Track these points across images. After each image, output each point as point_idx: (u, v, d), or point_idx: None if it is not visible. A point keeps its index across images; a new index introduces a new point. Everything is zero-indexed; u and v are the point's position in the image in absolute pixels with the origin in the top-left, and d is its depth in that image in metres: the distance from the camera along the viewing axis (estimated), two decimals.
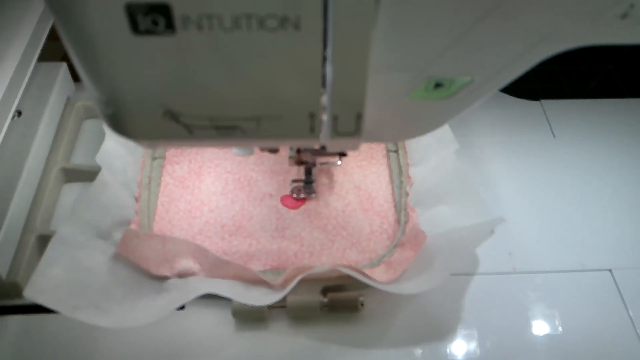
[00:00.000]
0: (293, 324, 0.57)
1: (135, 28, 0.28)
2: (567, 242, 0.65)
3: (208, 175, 0.70)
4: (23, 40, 0.61)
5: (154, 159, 0.70)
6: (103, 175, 0.61)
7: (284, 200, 0.68)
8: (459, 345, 0.56)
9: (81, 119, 0.76)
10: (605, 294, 0.61)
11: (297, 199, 0.68)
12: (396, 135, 0.43)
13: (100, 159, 0.62)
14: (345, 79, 0.31)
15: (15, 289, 0.57)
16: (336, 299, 0.57)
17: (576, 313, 0.59)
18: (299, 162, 0.63)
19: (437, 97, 0.37)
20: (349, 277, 0.55)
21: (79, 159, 0.72)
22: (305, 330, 0.57)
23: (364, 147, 0.74)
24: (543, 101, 0.82)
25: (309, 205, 0.67)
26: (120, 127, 0.35)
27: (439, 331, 0.57)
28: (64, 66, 0.75)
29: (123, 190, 0.64)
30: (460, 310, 0.59)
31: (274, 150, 0.56)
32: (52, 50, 0.68)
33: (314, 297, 0.56)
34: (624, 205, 0.69)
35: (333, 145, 0.39)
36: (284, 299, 0.55)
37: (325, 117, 0.34)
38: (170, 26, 0.28)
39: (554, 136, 0.77)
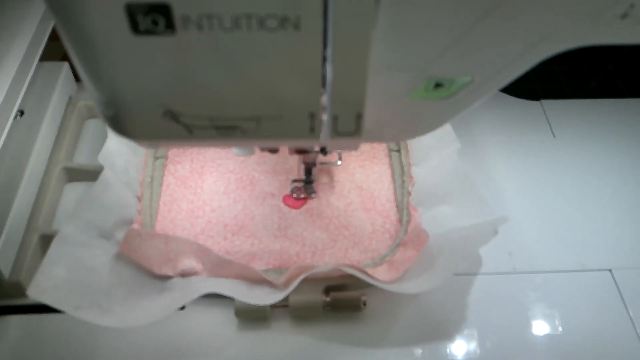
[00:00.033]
0: (295, 324, 0.58)
1: (135, 28, 0.28)
2: (567, 242, 0.65)
3: (210, 174, 0.70)
4: (25, 40, 0.61)
5: (156, 158, 0.71)
6: (105, 174, 0.61)
7: (286, 199, 0.68)
8: (460, 345, 0.56)
9: (83, 119, 0.76)
10: (605, 294, 0.61)
11: (299, 199, 0.68)
12: (396, 135, 0.43)
13: (102, 158, 0.62)
14: (345, 79, 0.31)
15: (18, 288, 0.57)
16: (338, 299, 0.57)
17: (576, 313, 0.59)
18: (299, 151, 0.63)
19: (437, 97, 0.37)
20: (351, 276, 0.55)
21: (81, 159, 0.72)
22: (308, 330, 0.57)
23: (366, 146, 0.74)
24: (543, 101, 0.82)
25: (311, 204, 0.67)
26: (120, 127, 0.35)
27: (439, 331, 0.57)
28: (65, 66, 0.75)
29: (125, 189, 0.64)
30: (461, 310, 0.59)
31: (274, 150, 0.56)
32: (54, 50, 0.69)
33: (317, 296, 0.56)
34: (624, 205, 0.69)
35: (333, 145, 0.39)
36: (286, 299, 0.55)
37: (325, 117, 0.34)
38: (170, 26, 0.28)
39: (554, 136, 0.77)
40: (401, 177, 0.70)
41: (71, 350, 0.55)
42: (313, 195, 0.68)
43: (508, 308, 0.59)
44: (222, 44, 0.29)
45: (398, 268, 0.60)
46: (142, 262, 0.57)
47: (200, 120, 0.34)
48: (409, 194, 0.67)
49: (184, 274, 0.59)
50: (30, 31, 0.62)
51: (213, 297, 0.55)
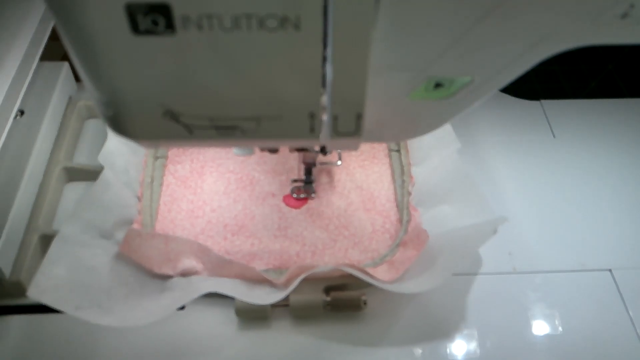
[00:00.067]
0: (296, 323, 0.58)
1: (135, 28, 0.28)
2: (567, 242, 0.65)
3: (210, 174, 0.70)
4: (25, 40, 0.61)
5: (156, 158, 0.71)
6: (105, 174, 0.61)
7: (286, 199, 0.68)
8: (460, 345, 0.56)
9: (83, 119, 0.76)
10: (605, 294, 0.61)
11: (299, 199, 0.68)
12: (396, 135, 0.43)
13: (102, 158, 0.62)
14: (345, 79, 0.31)
15: (18, 288, 0.57)
16: (339, 298, 0.57)
17: (576, 313, 0.59)
18: (299, 149, 0.63)
19: (437, 97, 0.37)
20: (351, 276, 0.55)
21: (81, 159, 0.72)
22: (308, 329, 0.57)
23: (366, 146, 0.74)
24: (543, 101, 0.82)
25: (311, 204, 0.67)
26: (120, 127, 0.35)
27: (440, 331, 0.57)
28: (66, 65, 0.75)
29: (125, 189, 0.64)
30: (461, 310, 0.59)
31: (274, 150, 0.56)
32: (54, 50, 0.69)
33: (317, 296, 0.56)
34: (624, 205, 0.69)
35: (333, 145, 0.39)
36: (286, 298, 0.55)
37: (325, 117, 0.34)
38: (170, 26, 0.28)
39: (554, 136, 0.77)
40: (401, 177, 0.70)
41: (71, 350, 0.55)
42: (313, 195, 0.68)
43: (508, 308, 0.59)
44: (222, 44, 0.29)
45: (398, 268, 0.60)
46: (142, 262, 0.58)
47: (200, 120, 0.34)
48: (409, 193, 0.67)
49: (184, 274, 0.59)
50: (30, 31, 0.62)
51: (213, 297, 0.55)
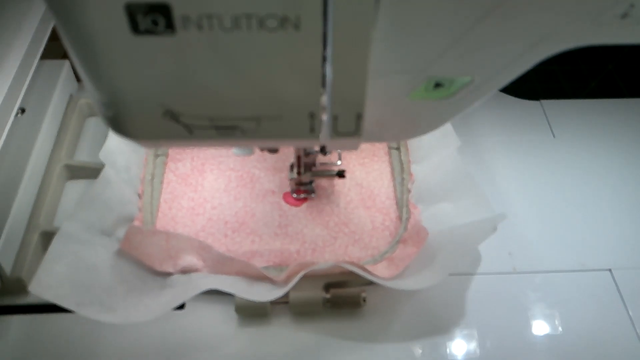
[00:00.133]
0: (295, 320, 0.58)
1: (135, 28, 0.28)
2: (567, 242, 0.65)
3: (211, 172, 0.70)
4: (26, 39, 0.61)
5: (156, 156, 0.71)
6: (106, 172, 0.61)
7: (286, 197, 0.68)
8: (459, 345, 0.56)
9: (84, 116, 0.76)
10: (605, 294, 0.61)
11: (298, 199, 0.68)
12: (396, 135, 0.43)
13: (103, 156, 0.62)
14: (345, 79, 0.31)
15: (19, 286, 0.57)
16: (338, 295, 0.57)
17: (576, 313, 0.59)
18: (299, 184, 0.64)
19: (437, 97, 0.37)
20: (351, 273, 0.55)
21: (82, 156, 0.72)
22: (308, 326, 0.57)
23: (366, 144, 0.74)
24: (543, 101, 0.82)
25: (311, 202, 0.68)
26: (120, 127, 0.35)
27: (439, 328, 0.57)
28: (66, 64, 0.75)
29: (126, 187, 0.64)
30: (461, 309, 0.59)
31: (273, 150, 0.56)
32: (55, 49, 0.69)
33: (317, 293, 0.56)
34: (624, 205, 0.69)
35: (333, 145, 0.39)
36: (286, 295, 0.55)
37: (325, 117, 0.34)
38: (170, 26, 0.28)
39: (554, 136, 0.77)
40: (401, 174, 0.70)
41: (72, 350, 0.55)
42: (313, 195, 0.68)
43: (508, 308, 0.59)
44: (222, 44, 0.29)
45: (398, 265, 0.60)
46: (143, 259, 0.58)
47: (200, 120, 0.34)
48: (409, 191, 0.67)
49: (185, 271, 0.59)
50: (31, 30, 0.62)
51: (213, 294, 0.56)
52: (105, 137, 0.64)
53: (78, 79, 0.77)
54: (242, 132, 0.35)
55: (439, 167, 0.67)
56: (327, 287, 0.58)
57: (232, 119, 0.34)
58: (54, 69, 0.73)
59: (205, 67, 0.30)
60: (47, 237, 0.60)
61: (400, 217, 0.66)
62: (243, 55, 0.30)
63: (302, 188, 0.67)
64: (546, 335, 0.57)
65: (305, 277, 0.55)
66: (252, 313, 0.57)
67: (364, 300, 0.57)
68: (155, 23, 0.28)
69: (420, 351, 0.56)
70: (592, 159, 0.74)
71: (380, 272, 0.59)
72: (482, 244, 0.55)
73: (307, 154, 0.61)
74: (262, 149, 0.58)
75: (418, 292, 0.59)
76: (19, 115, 0.66)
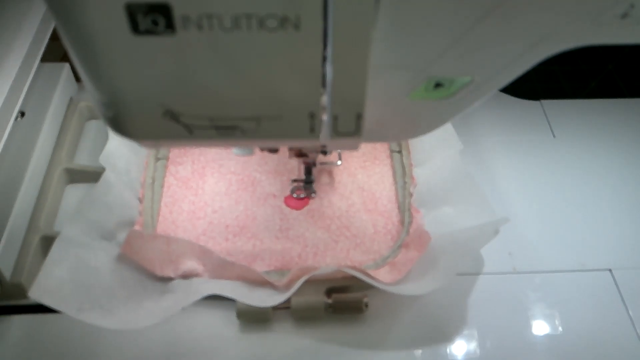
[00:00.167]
0: (297, 325, 0.58)
1: (135, 28, 0.28)
2: (567, 242, 0.65)
3: (211, 175, 0.70)
4: (26, 41, 0.61)
5: (157, 159, 0.71)
6: (107, 175, 0.61)
7: (287, 200, 0.68)
8: (460, 346, 0.56)
9: (84, 120, 0.76)
10: (605, 294, 0.61)
11: (300, 200, 0.68)
12: (396, 135, 0.43)
13: (103, 159, 0.62)
14: (345, 79, 0.31)
15: (19, 290, 0.57)
16: (340, 300, 0.57)
17: (576, 313, 0.59)
18: (299, 154, 0.63)
19: (437, 97, 0.37)
20: (353, 278, 0.55)
21: (82, 160, 0.72)
22: (310, 331, 0.57)
23: (368, 147, 0.74)
24: (543, 101, 0.82)
25: (313, 205, 0.67)
26: (120, 127, 0.35)
27: (441, 332, 0.57)
28: (66, 67, 0.75)
29: (127, 190, 0.64)
30: (462, 310, 0.59)
31: (274, 150, 0.56)
32: (55, 51, 0.69)
33: (318, 298, 0.56)
34: (624, 205, 0.69)
35: (333, 145, 0.39)
36: (288, 300, 0.55)
37: (325, 117, 0.34)
38: (170, 26, 0.28)
39: (554, 136, 0.77)
40: (403, 178, 0.70)
41: (72, 351, 0.55)
42: (313, 195, 0.68)
43: (508, 308, 0.59)
44: (222, 44, 0.29)
45: (400, 269, 0.60)
46: (143, 264, 0.58)
47: (200, 120, 0.34)
48: (411, 195, 0.67)
49: (186, 276, 0.59)
50: (31, 32, 0.62)
51: (214, 299, 0.56)
52: (105, 140, 0.64)
53: (78, 80, 0.77)
54: (242, 132, 0.35)
55: (440, 170, 0.67)
56: (329, 292, 0.57)
57: (232, 119, 0.34)
58: (53, 72, 0.73)
59: (205, 67, 0.30)
60: (47, 241, 0.60)
61: (402, 221, 0.66)
62: (243, 55, 0.30)
63: (302, 187, 0.67)
64: (546, 335, 0.57)
65: (307, 282, 0.55)
66: (253, 318, 0.57)
67: (366, 306, 0.57)
68: (155, 23, 0.28)
69: (422, 353, 0.56)
70: (592, 159, 0.74)
71: (382, 276, 0.59)
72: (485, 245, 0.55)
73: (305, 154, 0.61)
74: (262, 149, 0.58)
75: (420, 297, 0.59)
76: (19, 118, 0.66)
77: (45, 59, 0.67)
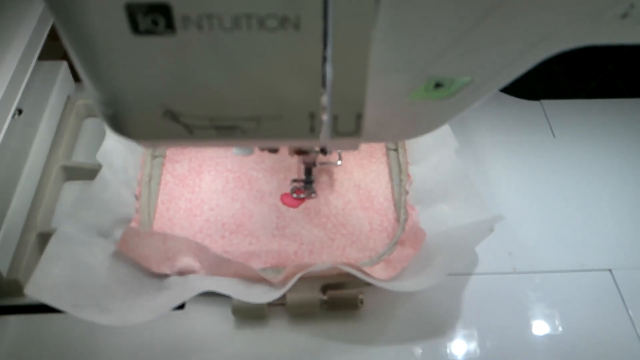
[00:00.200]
0: (293, 322, 0.58)
1: (135, 28, 0.28)
2: (567, 242, 0.65)
3: (208, 173, 0.70)
4: (23, 39, 0.61)
5: (154, 157, 0.70)
6: (103, 173, 0.61)
7: (284, 198, 0.68)
8: (459, 345, 0.56)
9: (82, 118, 0.76)
10: (605, 294, 0.61)
11: (297, 198, 0.68)
12: (396, 135, 0.43)
13: (100, 157, 0.62)
14: (345, 79, 0.31)
15: (16, 287, 0.57)
16: (336, 297, 0.57)
17: (576, 313, 0.59)
18: (299, 152, 0.63)
19: (437, 97, 0.37)
20: (348, 274, 0.55)
21: (79, 157, 0.72)
22: (305, 328, 0.57)
23: (364, 145, 0.74)
24: (543, 101, 0.82)
25: (309, 203, 0.67)
26: (120, 127, 0.35)
27: (438, 330, 0.57)
28: (64, 65, 0.75)
29: (123, 188, 0.64)
30: (460, 309, 0.59)
31: (274, 150, 0.56)
32: (53, 50, 0.68)
33: (314, 294, 0.56)
34: (624, 205, 0.69)
35: (333, 145, 0.39)
36: (283, 297, 0.55)
37: (325, 117, 0.34)
38: (170, 26, 0.28)
39: (554, 136, 0.77)
40: (399, 175, 0.70)
41: (70, 350, 0.55)
42: (313, 195, 0.68)
43: (508, 308, 0.59)
44: (222, 44, 0.29)
45: (395, 266, 0.60)
46: (140, 261, 0.57)
47: (200, 120, 0.33)
48: (407, 192, 0.67)
49: (182, 273, 0.59)
50: (28, 30, 0.62)
51: (210, 296, 0.55)
52: (102, 138, 0.64)
53: (76, 79, 0.77)
54: (242, 132, 0.34)
55: (436, 168, 0.67)
56: (325, 288, 0.57)
57: (232, 119, 0.34)
58: (51, 70, 0.73)
59: (205, 67, 0.30)
60: (44, 238, 0.60)
61: (398, 219, 0.66)
62: (243, 55, 0.29)
63: (303, 187, 0.67)
64: (546, 335, 0.57)
65: (302, 279, 0.55)
66: (249, 315, 0.57)
67: (362, 302, 0.57)
68: (155, 23, 0.28)
69: (419, 352, 0.56)
70: (592, 159, 0.74)
71: (377, 273, 0.59)
72: (481, 244, 0.54)
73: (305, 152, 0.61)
74: (262, 149, 0.58)
75: (416, 294, 0.59)
76: (16, 116, 0.66)
77: (44, 57, 0.66)
